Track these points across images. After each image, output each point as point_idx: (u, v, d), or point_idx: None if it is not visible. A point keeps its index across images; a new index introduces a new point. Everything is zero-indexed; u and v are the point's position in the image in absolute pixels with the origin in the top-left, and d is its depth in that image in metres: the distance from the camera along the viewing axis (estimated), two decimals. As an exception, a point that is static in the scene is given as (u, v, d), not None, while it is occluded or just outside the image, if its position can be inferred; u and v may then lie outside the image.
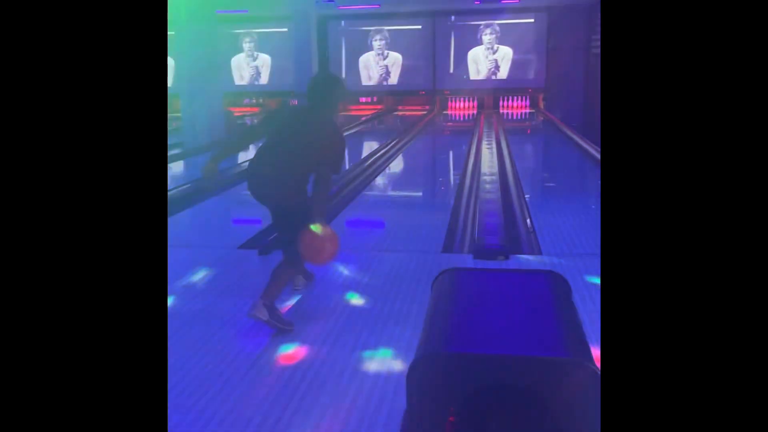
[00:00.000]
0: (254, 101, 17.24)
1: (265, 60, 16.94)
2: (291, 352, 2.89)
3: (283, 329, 3.05)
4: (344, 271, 3.99)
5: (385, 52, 16.53)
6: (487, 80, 16.34)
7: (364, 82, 16.73)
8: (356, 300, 3.50)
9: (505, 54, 16.11)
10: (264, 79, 17.06)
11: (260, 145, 3.28)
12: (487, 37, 16.00)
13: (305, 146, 3.13)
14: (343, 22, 16.48)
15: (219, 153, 3.40)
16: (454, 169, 8.82)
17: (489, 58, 16.09)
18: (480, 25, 16.04)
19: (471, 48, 16.20)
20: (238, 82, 16.86)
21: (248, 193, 3.26)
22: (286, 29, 16.36)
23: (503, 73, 16.19)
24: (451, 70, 16.31)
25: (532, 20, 15.79)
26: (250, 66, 16.92)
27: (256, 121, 3.21)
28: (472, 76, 16.26)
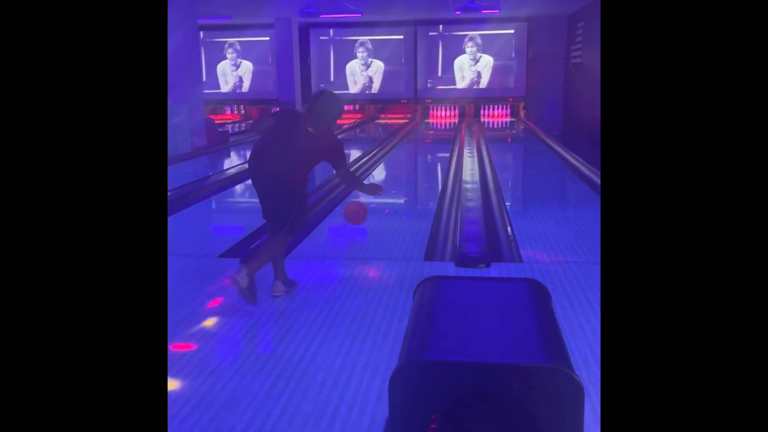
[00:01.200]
0: (236, 110, 17.46)
1: (247, 68, 17.06)
2: (273, 360, 2.89)
3: (251, 301, 3.41)
4: (326, 278, 3.99)
5: (369, 60, 16.71)
6: (469, 89, 16.51)
7: (350, 89, 16.86)
8: (338, 308, 3.50)
9: (487, 63, 16.32)
10: (246, 87, 17.17)
11: (263, 137, 3.61)
12: (469, 48, 16.24)
13: (301, 148, 3.50)
14: (331, 31, 16.65)
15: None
16: (435, 177, 8.87)
17: (471, 68, 16.29)
18: (460, 34, 16.24)
19: (453, 58, 16.41)
20: (223, 87, 17.03)
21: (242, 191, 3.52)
22: (267, 38, 16.55)
23: (484, 82, 16.39)
24: (439, 75, 16.52)
25: (512, 30, 16.01)
26: (234, 74, 17.02)
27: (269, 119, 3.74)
28: (458, 83, 16.46)
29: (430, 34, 16.34)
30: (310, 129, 3.52)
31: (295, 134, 3.52)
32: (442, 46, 16.39)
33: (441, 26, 16.18)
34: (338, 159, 3.62)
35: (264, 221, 3.75)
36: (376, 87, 16.90)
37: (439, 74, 16.49)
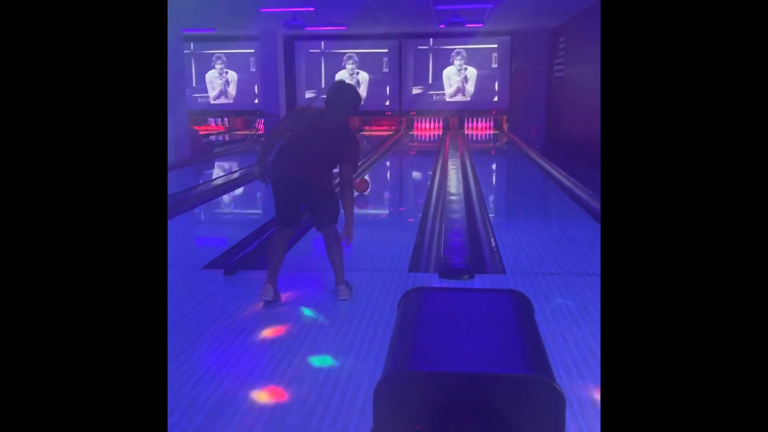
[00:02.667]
0: (220, 122, 17.81)
1: (233, 76, 17.60)
2: (257, 372, 2.88)
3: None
4: (310, 290, 4.00)
5: (356, 71, 17.03)
6: (453, 102, 16.73)
7: None
8: (322, 319, 3.51)
9: (472, 74, 16.62)
10: (232, 92, 17.67)
11: (287, 140, 3.67)
12: (457, 61, 16.59)
13: (325, 146, 3.59)
14: (322, 44, 16.94)
15: (261, 156, 3.79)
16: (420, 189, 8.91)
17: (458, 77, 16.64)
18: (448, 48, 16.57)
19: (442, 69, 16.71)
20: (210, 93, 17.62)
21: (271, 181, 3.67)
22: (252, 50, 16.84)
23: (469, 91, 16.68)
24: (430, 83, 16.77)
25: (496, 45, 16.27)
26: (220, 82, 17.59)
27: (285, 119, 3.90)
28: (446, 89, 16.74)
29: (420, 47, 16.59)
30: (330, 122, 3.61)
31: (317, 133, 3.60)
32: (433, 59, 16.73)
33: (431, 39, 16.47)
34: (351, 156, 3.67)
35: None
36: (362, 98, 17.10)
37: (430, 82, 16.79)
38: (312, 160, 3.58)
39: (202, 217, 7.01)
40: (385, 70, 16.88)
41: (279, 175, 3.62)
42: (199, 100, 17.30)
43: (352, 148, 3.69)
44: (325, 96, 3.72)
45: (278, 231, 3.79)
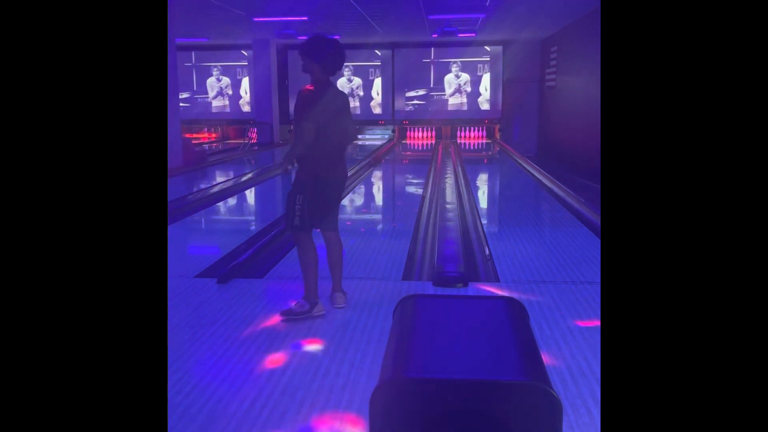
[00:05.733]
0: (213, 130, 18.12)
1: (227, 82, 18.28)
2: (251, 381, 2.86)
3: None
4: (304, 299, 3.98)
5: (352, 77, 17.31)
6: (449, 110, 16.94)
7: None
8: (316, 327, 3.49)
9: (467, 79, 16.95)
10: (227, 98, 18.26)
11: (318, 138, 3.43)
12: (454, 68, 16.89)
13: (343, 121, 3.49)
14: None
15: (292, 153, 3.47)
16: (413, 198, 8.92)
17: (456, 81, 16.93)
18: (449, 61, 16.88)
19: (443, 76, 17.09)
20: (210, 93, 18.46)
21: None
22: (245, 63, 17.12)
23: (465, 95, 16.90)
24: (432, 86, 17.02)
25: (488, 57, 16.47)
26: (218, 85, 18.38)
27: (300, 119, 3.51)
28: (447, 90, 17.21)
29: (424, 61, 16.99)
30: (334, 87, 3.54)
31: (336, 113, 3.47)
32: (423, 69, 16.94)
33: (433, 49, 16.71)
34: (350, 119, 3.65)
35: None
36: (355, 106, 17.22)
37: (432, 85, 17.15)
38: (344, 149, 3.56)
39: (195, 225, 6.99)
40: (371, 78, 17.11)
41: (325, 175, 3.48)
42: (199, 101, 18.17)
43: (348, 109, 3.60)
44: (313, 61, 3.46)
45: (303, 239, 3.57)
